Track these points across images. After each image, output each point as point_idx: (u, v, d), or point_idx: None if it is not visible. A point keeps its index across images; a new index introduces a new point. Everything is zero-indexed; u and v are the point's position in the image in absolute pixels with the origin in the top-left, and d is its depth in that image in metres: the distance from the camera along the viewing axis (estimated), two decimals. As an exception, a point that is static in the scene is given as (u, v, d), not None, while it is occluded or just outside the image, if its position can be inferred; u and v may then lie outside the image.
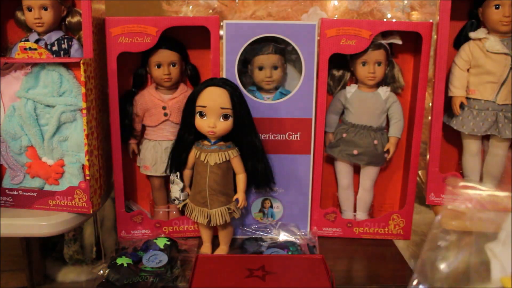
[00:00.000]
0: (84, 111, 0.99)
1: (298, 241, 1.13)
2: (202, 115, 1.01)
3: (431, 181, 1.14)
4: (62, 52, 1.09)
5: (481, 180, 1.17)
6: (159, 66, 1.10)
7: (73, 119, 1.02)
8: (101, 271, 0.97)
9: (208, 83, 1.02)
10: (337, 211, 1.19)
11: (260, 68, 1.13)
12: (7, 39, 1.14)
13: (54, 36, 1.09)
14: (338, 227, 1.19)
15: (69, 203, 1.03)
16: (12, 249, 1.50)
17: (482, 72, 1.09)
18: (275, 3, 1.52)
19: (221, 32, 1.10)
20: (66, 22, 1.11)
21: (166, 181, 1.19)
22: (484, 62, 1.08)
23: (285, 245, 1.09)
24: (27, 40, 1.08)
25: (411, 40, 1.15)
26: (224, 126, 1.01)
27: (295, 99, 1.13)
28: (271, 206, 1.19)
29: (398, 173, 1.23)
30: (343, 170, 1.20)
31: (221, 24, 1.10)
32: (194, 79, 1.17)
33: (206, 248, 1.11)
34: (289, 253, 1.07)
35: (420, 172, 1.33)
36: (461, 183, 0.80)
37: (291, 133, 1.15)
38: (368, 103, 1.15)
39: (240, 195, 1.07)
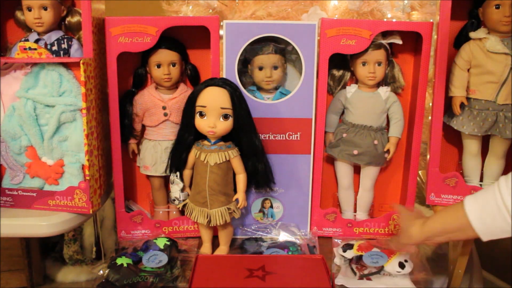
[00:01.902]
0: (84, 111, 0.99)
1: (298, 241, 1.13)
2: (202, 115, 1.01)
3: (431, 181, 1.14)
4: (62, 52, 1.09)
5: (481, 180, 1.17)
6: (159, 66, 1.10)
7: (73, 119, 1.02)
8: (101, 271, 0.97)
9: (208, 83, 1.02)
10: (337, 211, 1.19)
11: (260, 68, 1.13)
12: (7, 39, 1.14)
13: (54, 36, 1.09)
14: (338, 227, 1.19)
15: (69, 203, 1.03)
16: (12, 249, 1.49)
17: (482, 72, 1.09)
18: (275, 3, 1.52)
19: (221, 32, 1.10)
20: (66, 22, 1.11)
21: (166, 181, 1.18)
22: (484, 62, 1.08)
23: (285, 245, 1.09)
24: (27, 40, 1.08)
25: (411, 40, 1.14)
26: (224, 126, 1.01)
27: (295, 99, 1.13)
28: (271, 206, 1.19)
29: (398, 173, 1.23)
30: (343, 170, 1.20)
31: (221, 24, 1.10)
32: (194, 79, 1.17)
33: (206, 248, 1.11)
34: (289, 253, 1.07)
35: (420, 172, 1.33)
36: None
37: (291, 133, 1.14)
38: (368, 103, 1.15)
39: (240, 195, 1.07)
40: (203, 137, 1.05)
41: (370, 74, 1.12)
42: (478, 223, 0.83)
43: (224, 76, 1.10)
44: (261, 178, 1.10)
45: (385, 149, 1.16)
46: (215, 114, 1.00)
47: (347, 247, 1.05)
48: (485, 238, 0.84)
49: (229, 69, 1.11)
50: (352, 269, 1.00)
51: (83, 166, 1.03)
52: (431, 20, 1.44)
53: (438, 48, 1.09)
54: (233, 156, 1.05)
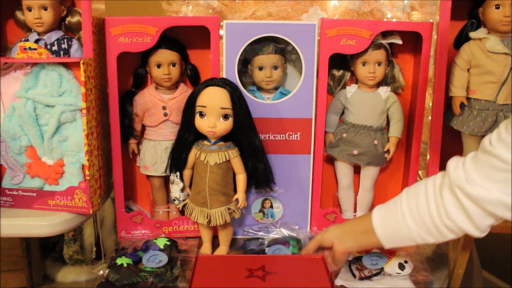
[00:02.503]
0: (84, 111, 0.99)
1: (298, 236, 1.12)
2: (202, 115, 1.01)
3: (431, 181, 1.14)
4: (62, 52, 1.09)
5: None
6: (159, 66, 1.10)
7: (73, 119, 1.02)
8: (101, 271, 0.97)
9: (208, 83, 1.02)
10: (337, 211, 1.19)
11: (260, 68, 1.13)
12: (7, 39, 1.14)
13: (54, 36, 1.09)
14: (338, 227, 1.19)
15: (69, 203, 1.03)
16: (12, 249, 1.50)
17: (482, 72, 1.09)
18: (275, 3, 1.52)
19: (221, 32, 1.10)
20: (66, 22, 1.11)
21: (166, 181, 1.18)
22: (484, 62, 1.08)
23: (285, 241, 1.09)
24: (27, 40, 1.08)
25: (411, 40, 1.14)
26: (224, 126, 1.01)
27: (295, 99, 1.13)
28: (271, 206, 1.19)
29: (398, 173, 1.23)
30: (343, 170, 1.20)
31: (221, 24, 1.10)
32: (194, 79, 1.17)
33: (206, 248, 1.11)
34: (290, 248, 1.06)
35: (420, 172, 1.33)
36: None
37: (291, 133, 1.14)
38: (368, 103, 1.15)
39: (240, 195, 1.07)
40: (203, 137, 1.05)
41: (370, 74, 1.12)
42: (380, 230, 0.87)
43: (224, 76, 1.10)
44: (261, 178, 1.10)
45: (385, 149, 1.16)
46: (215, 114, 1.00)
47: None
48: (387, 245, 0.88)
49: (229, 69, 1.11)
50: (351, 271, 1.00)
51: (83, 166, 1.03)
52: (431, 20, 1.44)
53: (438, 48, 1.09)
54: (233, 156, 1.05)
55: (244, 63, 1.15)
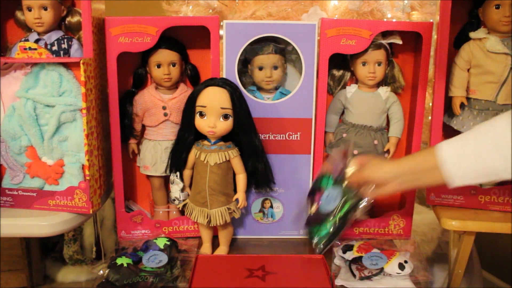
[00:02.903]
0: (84, 111, 0.99)
1: (325, 170, 1.05)
2: (202, 115, 1.01)
3: (431, 181, 1.14)
4: (62, 52, 1.09)
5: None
6: (159, 66, 1.10)
7: (73, 119, 1.02)
8: (101, 271, 0.97)
9: (208, 83, 1.02)
10: (337, 211, 1.19)
11: (260, 68, 1.13)
12: (7, 39, 1.14)
13: (54, 36, 1.09)
14: (338, 227, 1.19)
15: (69, 203, 1.03)
16: (12, 249, 1.50)
17: (482, 72, 1.09)
18: (275, 3, 1.52)
19: (221, 32, 1.10)
20: (66, 22, 1.11)
21: (166, 181, 1.18)
22: (484, 62, 1.08)
23: (319, 186, 1.03)
24: (27, 40, 1.08)
25: (411, 40, 1.14)
26: (224, 126, 1.01)
27: (295, 99, 1.13)
28: (271, 206, 1.19)
29: (398, 173, 1.23)
30: (343, 170, 1.20)
31: (221, 24, 1.10)
32: (194, 79, 1.17)
33: (206, 248, 1.11)
34: (326, 184, 1.02)
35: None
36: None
37: (291, 133, 1.14)
38: (368, 103, 1.15)
39: (240, 195, 1.07)
40: (203, 137, 1.05)
41: (370, 74, 1.12)
42: (451, 165, 0.82)
43: (224, 76, 1.10)
44: (261, 178, 1.10)
45: (385, 149, 1.16)
46: (215, 114, 1.00)
47: (347, 248, 1.05)
48: (456, 182, 0.83)
49: (229, 69, 1.11)
50: (352, 271, 1.00)
51: (83, 166, 1.03)
52: (431, 20, 1.44)
53: (438, 48, 1.09)
54: (233, 156, 1.05)
55: (244, 63, 1.15)
